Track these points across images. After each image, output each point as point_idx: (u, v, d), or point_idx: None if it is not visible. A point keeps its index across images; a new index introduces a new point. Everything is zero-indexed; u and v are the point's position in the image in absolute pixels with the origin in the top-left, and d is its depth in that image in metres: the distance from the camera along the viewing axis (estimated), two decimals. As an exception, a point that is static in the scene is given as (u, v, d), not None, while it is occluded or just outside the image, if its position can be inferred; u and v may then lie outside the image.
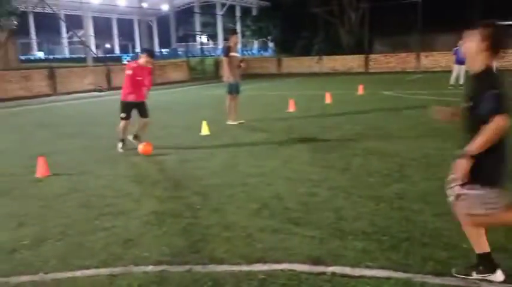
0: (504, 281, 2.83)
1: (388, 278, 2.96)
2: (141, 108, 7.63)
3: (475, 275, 2.87)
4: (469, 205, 2.73)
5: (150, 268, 3.28)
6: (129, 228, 4.09)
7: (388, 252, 3.35)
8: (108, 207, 4.70)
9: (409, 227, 3.82)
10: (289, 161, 6.40)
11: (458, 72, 15.91)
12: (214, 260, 3.35)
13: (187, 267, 3.25)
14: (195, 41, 45.74)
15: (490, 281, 2.83)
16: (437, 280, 2.91)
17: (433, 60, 27.52)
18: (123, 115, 7.50)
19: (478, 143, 2.55)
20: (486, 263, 2.86)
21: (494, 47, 2.61)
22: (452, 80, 15.91)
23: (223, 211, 4.47)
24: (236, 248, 3.55)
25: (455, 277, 2.92)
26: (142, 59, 7.48)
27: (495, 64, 2.77)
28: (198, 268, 3.23)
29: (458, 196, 2.77)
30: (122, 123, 7.52)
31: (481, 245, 2.86)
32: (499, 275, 2.85)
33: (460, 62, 15.69)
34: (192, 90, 21.51)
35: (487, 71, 2.65)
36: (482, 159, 2.59)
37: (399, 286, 2.88)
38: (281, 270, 3.15)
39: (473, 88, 2.70)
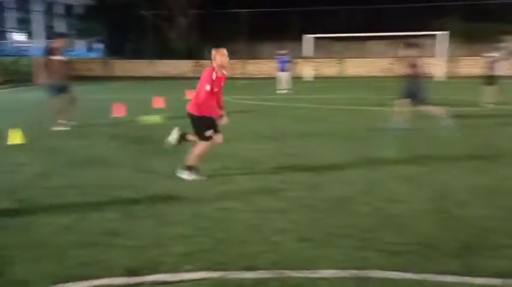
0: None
1: (204, 279, 3.02)
2: None
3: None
4: None
5: None
6: None
7: (207, 253, 3.42)
8: None
9: (229, 226, 3.97)
10: (112, 168, 6.09)
11: (281, 78, 17.47)
12: (17, 284, 2.97)
13: (-20, 297, 2.81)
14: (6, 38, 40.63)
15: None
16: (250, 275, 3.07)
17: (258, 67, 29.51)
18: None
19: None
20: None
21: None
22: (282, 85, 17.32)
23: (35, 226, 4.02)
24: (44, 267, 3.21)
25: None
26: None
27: None
28: (-6, 297, 2.83)
29: None
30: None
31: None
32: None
33: (282, 69, 17.46)
34: (4, 94, 19.01)
35: None
36: None
37: (214, 285, 2.96)
38: (94, 286, 2.95)
39: None
